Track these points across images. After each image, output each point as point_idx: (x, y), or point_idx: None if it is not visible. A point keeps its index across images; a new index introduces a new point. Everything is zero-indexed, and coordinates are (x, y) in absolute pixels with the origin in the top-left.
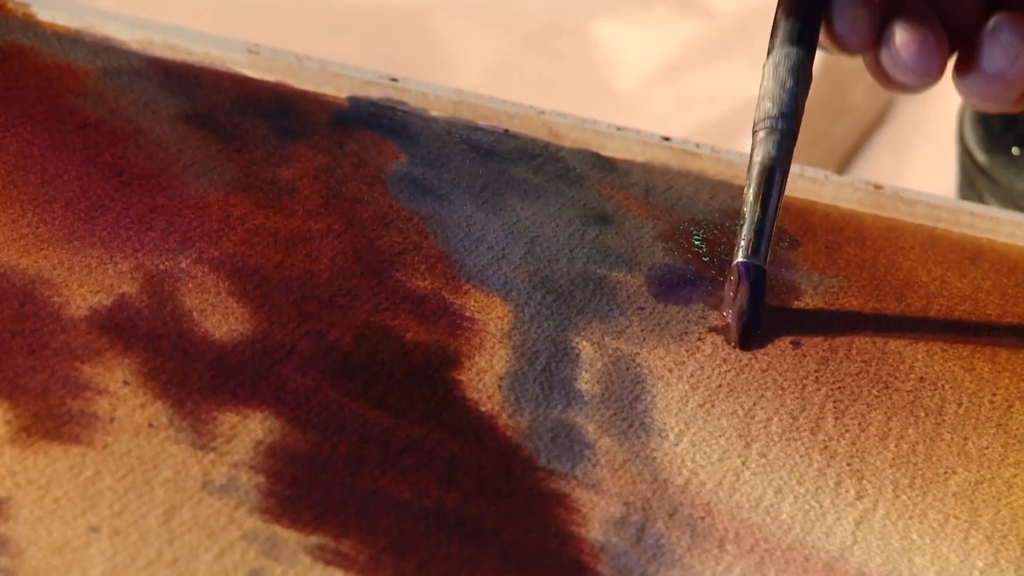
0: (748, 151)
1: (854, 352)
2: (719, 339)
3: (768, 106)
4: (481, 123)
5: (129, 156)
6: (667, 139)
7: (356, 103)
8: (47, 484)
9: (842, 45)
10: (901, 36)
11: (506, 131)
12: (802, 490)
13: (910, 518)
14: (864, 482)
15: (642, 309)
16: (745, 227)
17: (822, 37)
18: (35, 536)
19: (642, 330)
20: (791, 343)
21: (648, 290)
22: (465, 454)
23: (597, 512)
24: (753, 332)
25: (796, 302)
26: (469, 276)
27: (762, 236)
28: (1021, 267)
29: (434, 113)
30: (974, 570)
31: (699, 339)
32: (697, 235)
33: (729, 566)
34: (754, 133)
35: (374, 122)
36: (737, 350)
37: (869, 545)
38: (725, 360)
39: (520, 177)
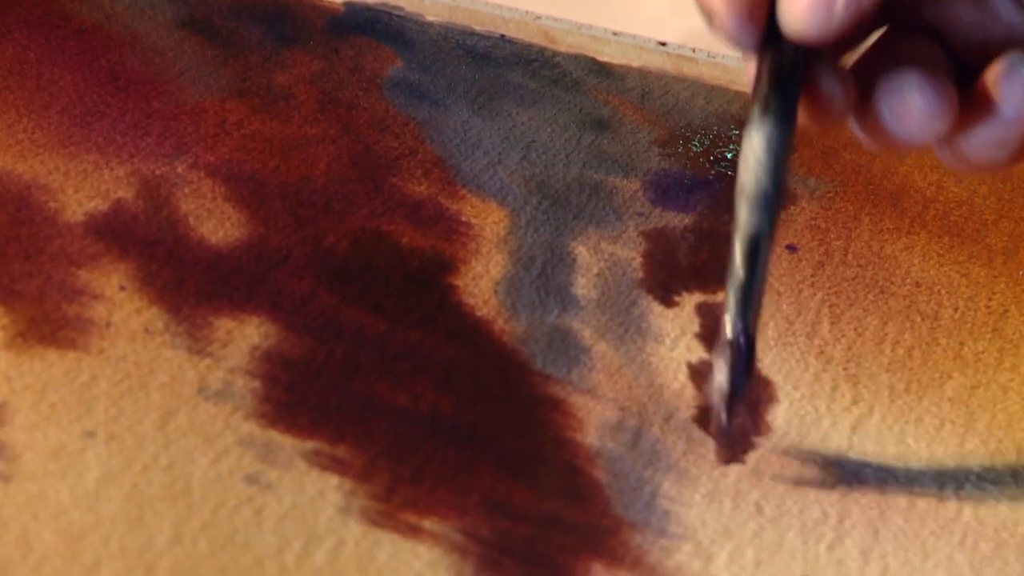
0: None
1: (850, 257)
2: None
3: (763, 178)
4: (477, 28)
5: (125, 62)
6: (663, 44)
7: (352, 8)
8: (43, 389)
9: (824, 114)
10: (908, 88)
11: (502, 36)
12: (798, 395)
13: (906, 422)
14: (860, 387)
15: (639, 214)
16: (732, 296)
17: (801, 112)
18: (31, 441)
19: (638, 235)
20: (787, 248)
21: (645, 195)
22: (461, 359)
23: (593, 417)
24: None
25: (792, 207)
26: (465, 181)
27: (750, 304)
28: (1018, 171)
29: (430, 18)
30: (970, 474)
31: (696, 244)
32: (694, 140)
33: (724, 471)
34: (740, 195)
35: (370, 27)
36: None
37: (865, 449)
38: (723, 265)
39: (516, 82)
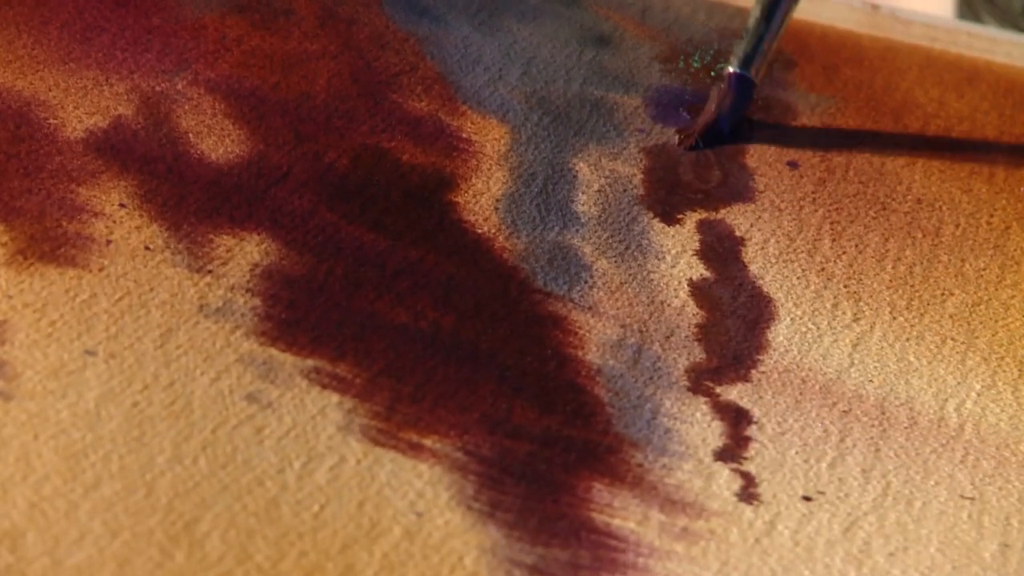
0: None
1: (851, 173)
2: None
3: None
4: None
5: None
6: None
7: None
8: (43, 307)
9: None
10: None
11: None
12: (799, 312)
13: (907, 340)
14: (861, 304)
15: (640, 131)
16: (745, 40)
17: None
18: (31, 359)
19: (639, 152)
20: (788, 164)
21: (645, 111)
22: (461, 276)
23: (594, 334)
24: (718, 139)
25: (793, 122)
26: (466, 98)
27: (758, 50)
28: (1018, 87)
29: None
30: (971, 391)
31: (697, 161)
32: (695, 55)
33: (726, 389)
34: None
35: None
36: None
37: (866, 367)
38: (724, 182)
39: None
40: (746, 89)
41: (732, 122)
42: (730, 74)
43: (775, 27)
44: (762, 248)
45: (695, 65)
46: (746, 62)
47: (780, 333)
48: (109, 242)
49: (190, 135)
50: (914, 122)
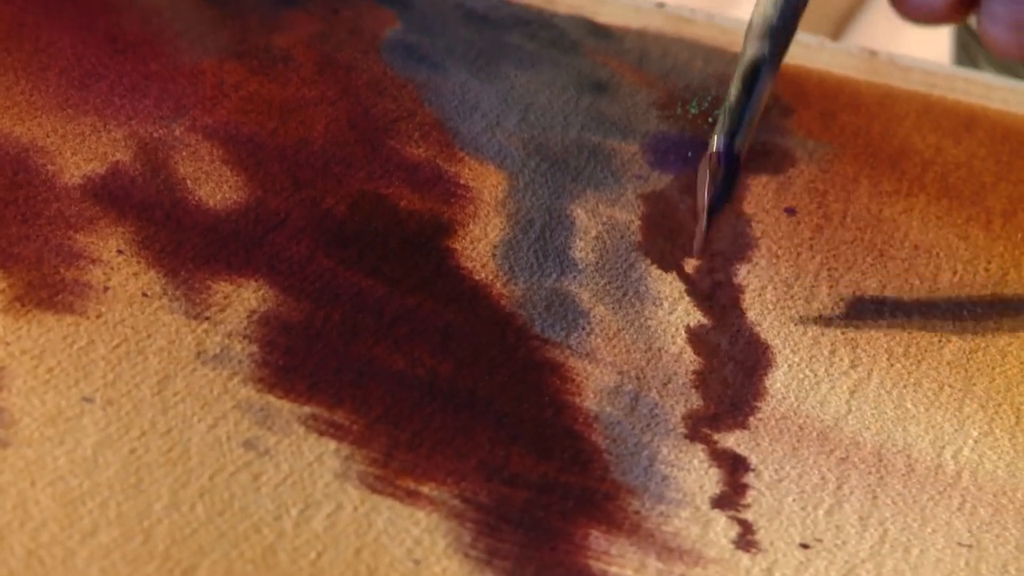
0: (743, 17)
1: (849, 219)
2: None
3: (769, 11)
4: None
5: (123, 23)
6: (661, 5)
7: None
8: (41, 354)
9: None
10: None
11: None
12: (796, 359)
13: (904, 387)
14: (858, 350)
15: (637, 177)
16: (724, 115)
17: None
18: (29, 406)
19: (637, 198)
20: (785, 210)
21: (643, 158)
22: (459, 323)
23: (591, 381)
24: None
25: (790, 169)
26: (463, 144)
27: (739, 125)
28: (1015, 134)
29: None
30: (968, 438)
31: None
32: (692, 102)
33: (723, 436)
34: (748, 31)
35: None
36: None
37: (863, 414)
38: (720, 228)
39: (514, 44)
40: (733, 165)
41: (726, 200)
42: (717, 154)
43: (755, 99)
44: (759, 295)
45: (692, 111)
46: (731, 138)
47: (777, 380)
48: (107, 288)
49: (188, 181)
50: (911, 168)
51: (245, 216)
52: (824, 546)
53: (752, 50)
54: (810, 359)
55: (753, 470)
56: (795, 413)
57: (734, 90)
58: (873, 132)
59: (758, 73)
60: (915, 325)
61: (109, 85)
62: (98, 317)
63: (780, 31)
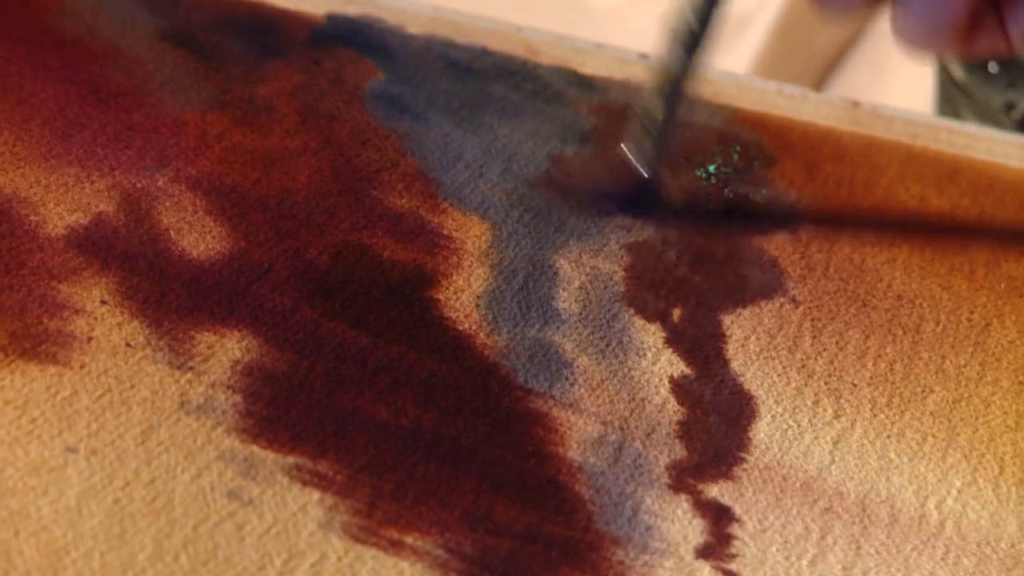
0: (725, 68)
1: (832, 270)
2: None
3: (690, 17)
4: (459, 40)
5: (106, 74)
6: (645, 56)
7: (334, 20)
8: (24, 404)
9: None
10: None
11: (484, 48)
12: (780, 409)
13: (888, 437)
14: (842, 401)
15: (621, 228)
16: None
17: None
18: (12, 456)
19: (620, 248)
20: (768, 260)
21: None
22: (443, 373)
23: (575, 431)
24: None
25: (774, 219)
26: (447, 194)
27: (661, 136)
28: (999, 184)
29: (412, 30)
30: (952, 488)
31: (678, 258)
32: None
33: (707, 486)
34: (670, 36)
35: (351, 39)
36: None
37: (847, 464)
38: (704, 279)
39: (498, 95)
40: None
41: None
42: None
43: (674, 113)
44: (743, 345)
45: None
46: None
47: (761, 430)
48: (90, 339)
49: (171, 232)
50: (895, 218)
51: (228, 266)
52: None
53: (672, 59)
54: (793, 409)
55: (737, 520)
56: (779, 463)
57: (660, 99)
58: (856, 182)
59: (676, 82)
60: (898, 375)
61: (92, 135)
62: (82, 367)
63: (697, 39)
